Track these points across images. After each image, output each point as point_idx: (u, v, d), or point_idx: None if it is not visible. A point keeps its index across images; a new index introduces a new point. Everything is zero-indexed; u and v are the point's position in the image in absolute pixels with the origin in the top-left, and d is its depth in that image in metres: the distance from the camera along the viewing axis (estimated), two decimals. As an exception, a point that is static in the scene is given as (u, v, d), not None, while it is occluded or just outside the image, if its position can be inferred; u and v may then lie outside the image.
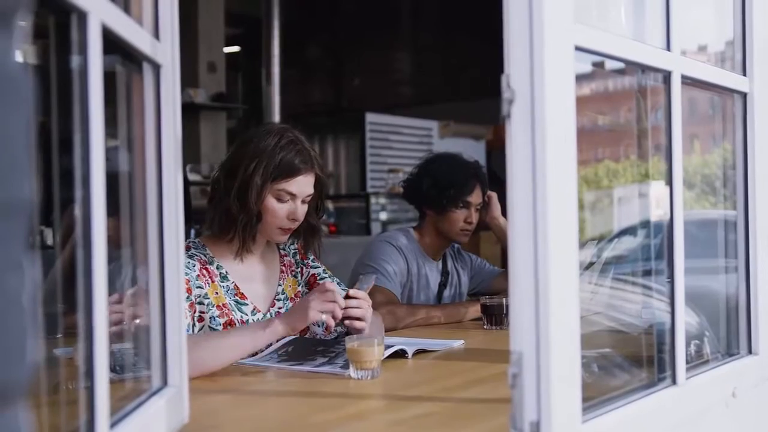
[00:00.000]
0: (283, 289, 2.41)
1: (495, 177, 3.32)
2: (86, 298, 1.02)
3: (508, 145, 1.21)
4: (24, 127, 0.62)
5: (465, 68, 9.42)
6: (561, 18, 1.22)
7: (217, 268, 2.28)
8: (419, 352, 2.23)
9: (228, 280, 2.28)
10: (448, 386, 1.89)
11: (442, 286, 3.18)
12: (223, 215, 2.26)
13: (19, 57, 0.63)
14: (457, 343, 2.40)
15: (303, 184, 2.28)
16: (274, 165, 2.22)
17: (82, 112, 1.02)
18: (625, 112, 2.04)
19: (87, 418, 1.02)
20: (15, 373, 0.61)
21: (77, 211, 1.03)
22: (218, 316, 2.21)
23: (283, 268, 2.44)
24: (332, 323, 2.10)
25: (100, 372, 1.03)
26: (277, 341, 2.19)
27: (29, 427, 0.65)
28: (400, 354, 2.16)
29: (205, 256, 2.28)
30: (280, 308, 2.36)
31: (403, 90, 10.19)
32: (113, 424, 1.10)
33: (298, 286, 2.46)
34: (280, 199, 2.26)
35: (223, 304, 2.23)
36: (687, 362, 1.57)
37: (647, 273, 1.92)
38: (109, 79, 1.11)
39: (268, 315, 2.32)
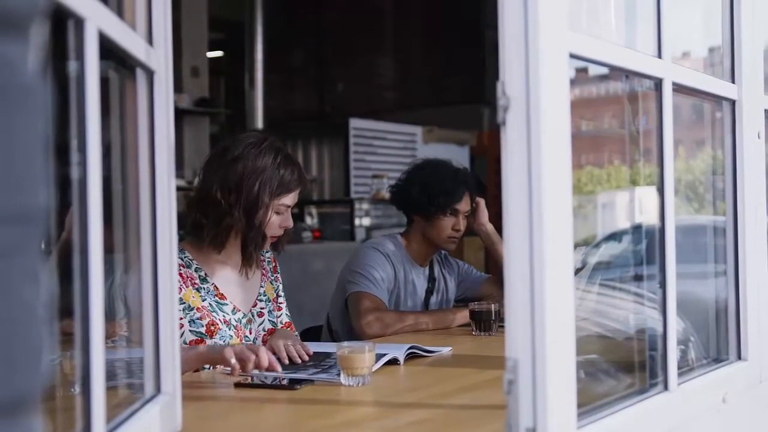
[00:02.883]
0: (264, 291, 2.49)
1: (479, 183, 3.33)
2: (82, 305, 1.02)
3: (503, 151, 1.21)
4: (40, 135, 0.62)
5: (449, 74, 9.44)
6: (556, 25, 1.22)
7: (196, 270, 2.34)
8: (411, 357, 2.23)
9: (208, 282, 2.34)
10: (440, 393, 1.89)
11: (429, 292, 3.18)
12: (224, 232, 2.32)
13: (34, 65, 0.63)
14: (446, 350, 2.40)
15: (296, 196, 2.40)
16: (278, 183, 2.32)
17: (79, 118, 1.02)
18: (608, 118, 2.05)
19: (83, 426, 1.01)
20: (31, 384, 0.61)
21: (74, 217, 1.02)
22: (199, 318, 2.27)
23: (264, 271, 2.52)
24: (237, 369, 1.96)
25: (96, 380, 1.02)
26: None
27: None
28: (392, 360, 2.16)
29: (182, 259, 2.32)
30: (262, 308, 2.45)
31: (386, 95, 10.19)
32: (109, 433, 1.09)
33: (274, 292, 2.54)
34: (278, 213, 2.35)
35: (203, 306, 2.29)
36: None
37: (634, 279, 1.93)
38: (102, 84, 1.11)
39: (249, 315, 2.41)
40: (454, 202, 3.06)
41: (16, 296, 0.59)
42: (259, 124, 8.51)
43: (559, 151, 1.22)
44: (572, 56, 1.27)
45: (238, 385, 1.93)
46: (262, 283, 2.49)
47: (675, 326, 1.56)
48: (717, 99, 1.86)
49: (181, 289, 2.26)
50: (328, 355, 2.23)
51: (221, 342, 2.27)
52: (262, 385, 1.92)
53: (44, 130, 0.63)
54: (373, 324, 2.80)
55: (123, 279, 1.47)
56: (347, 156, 8.20)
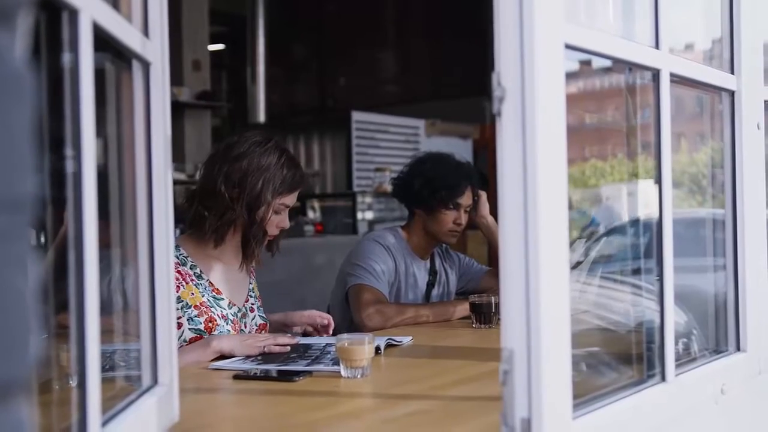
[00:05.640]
0: (252, 288, 2.54)
1: (482, 176, 3.33)
2: (78, 297, 1.02)
3: (498, 142, 1.21)
4: (27, 124, 0.63)
5: (451, 67, 9.44)
6: (551, 16, 1.22)
7: (191, 268, 2.37)
8: (409, 350, 2.25)
9: (203, 279, 2.37)
10: (438, 384, 1.90)
11: (431, 285, 3.18)
12: (226, 226, 2.35)
13: (21, 54, 0.63)
14: (406, 339, 2.43)
15: (296, 197, 2.45)
16: (281, 181, 2.36)
17: (73, 110, 1.02)
18: (612, 111, 2.05)
19: (79, 417, 1.02)
20: (19, 369, 0.62)
21: (67, 210, 1.03)
22: (197, 316, 2.31)
23: (252, 269, 2.57)
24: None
25: (92, 371, 1.02)
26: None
27: (31, 421, 0.65)
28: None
29: (177, 257, 2.33)
30: (252, 304, 2.50)
31: (389, 89, 10.19)
32: (104, 423, 1.10)
33: (258, 290, 2.59)
34: (277, 212, 2.39)
35: (201, 303, 2.33)
36: (675, 360, 1.57)
37: (635, 271, 1.93)
38: (97, 76, 1.11)
39: (243, 309, 2.45)
40: (456, 196, 3.05)
41: (4, 282, 0.60)
42: (261, 117, 8.52)
43: (554, 142, 1.22)
44: (568, 47, 1.27)
45: (236, 377, 1.93)
46: (251, 280, 2.55)
47: (672, 318, 1.56)
48: (716, 90, 1.86)
49: (179, 287, 2.29)
50: (309, 346, 2.26)
51: None
52: (261, 377, 1.93)
53: (31, 119, 0.64)
54: (373, 316, 2.80)
55: (123, 273, 1.47)
56: (349, 149, 8.19)
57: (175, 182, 6.18)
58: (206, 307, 2.32)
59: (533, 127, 1.18)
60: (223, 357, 2.16)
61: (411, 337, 2.47)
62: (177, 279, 2.28)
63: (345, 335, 2.01)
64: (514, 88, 1.19)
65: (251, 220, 2.34)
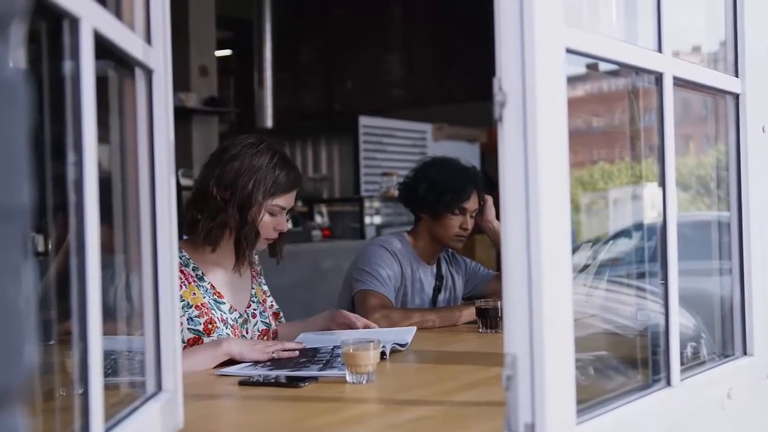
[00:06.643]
0: (255, 293, 2.53)
1: (489, 180, 3.32)
2: (80, 304, 1.02)
3: (500, 147, 1.22)
4: (22, 133, 0.63)
5: (458, 70, 9.42)
6: (552, 21, 1.22)
7: (193, 269, 2.37)
8: (393, 352, 2.25)
9: (205, 281, 2.38)
10: (443, 390, 1.89)
11: (437, 290, 3.18)
12: (219, 228, 2.34)
13: (16, 63, 0.63)
14: (410, 334, 2.44)
15: (292, 199, 2.43)
16: (273, 182, 2.35)
17: (74, 118, 1.02)
18: (619, 114, 2.05)
19: (81, 424, 1.02)
20: (13, 378, 0.62)
21: (70, 217, 1.03)
22: (197, 316, 2.31)
23: (254, 273, 2.56)
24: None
25: (94, 378, 1.02)
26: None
27: (26, 430, 0.65)
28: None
29: (180, 258, 2.34)
30: (254, 310, 2.49)
31: (395, 93, 10.18)
32: (108, 430, 1.10)
33: (263, 294, 2.59)
34: (271, 213, 2.38)
35: (202, 304, 2.33)
36: (682, 364, 1.57)
37: (642, 275, 1.92)
38: (101, 84, 1.11)
39: (245, 314, 2.45)
40: (462, 201, 3.05)
41: (-1, 291, 0.61)
42: (269, 122, 8.52)
43: (556, 146, 1.22)
44: (569, 51, 1.27)
45: (241, 383, 1.93)
46: (253, 285, 2.54)
47: (677, 321, 1.55)
48: (720, 93, 1.86)
49: (181, 286, 2.28)
50: (317, 350, 2.26)
51: None
52: (266, 383, 1.93)
53: (26, 128, 0.64)
54: (379, 322, 2.80)
55: (128, 279, 1.48)
56: (357, 154, 8.19)
57: (184, 188, 6.18)
58: (207, 309, 2.32)
59: (534, 132, 1.18)
60: (230, 361, 2.16)
61: (414, 328, 2.49)
62: (179, 278, 2.27)
63: (350, 340, 2.00)
64: (516, 92, 1.20)
65: (243, 221, 2.33)
